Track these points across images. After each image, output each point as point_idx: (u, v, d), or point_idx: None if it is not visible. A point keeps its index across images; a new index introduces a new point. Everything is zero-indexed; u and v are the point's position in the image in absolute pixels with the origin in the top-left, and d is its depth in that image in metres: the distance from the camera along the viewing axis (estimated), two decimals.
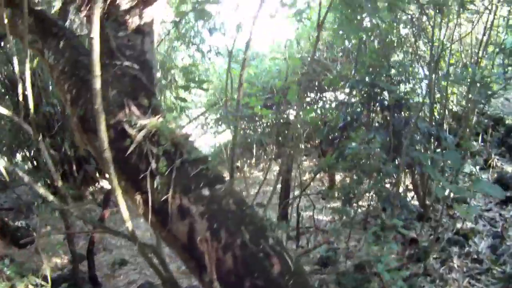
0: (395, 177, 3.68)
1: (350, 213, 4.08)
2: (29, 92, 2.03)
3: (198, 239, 2.09)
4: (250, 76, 6.80)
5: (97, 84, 1.83)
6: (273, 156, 7.42)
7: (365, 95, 4.35)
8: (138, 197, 2.25)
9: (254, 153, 7.90)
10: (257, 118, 6.85)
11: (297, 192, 5.28)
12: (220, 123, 7.49)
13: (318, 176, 6.21)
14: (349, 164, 3.91)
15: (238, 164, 7.85)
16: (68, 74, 2.43)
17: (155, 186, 2.20)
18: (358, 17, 4.29)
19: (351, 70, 5.01)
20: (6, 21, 2.31)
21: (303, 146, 6.65)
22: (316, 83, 6.61)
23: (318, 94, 7.06)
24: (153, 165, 2.20)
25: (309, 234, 4.76)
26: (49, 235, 4.90)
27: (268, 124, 7.13)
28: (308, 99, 7.15)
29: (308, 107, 5.52)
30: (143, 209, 2.25)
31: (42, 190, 2.20)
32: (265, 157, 7.84)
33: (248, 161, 8.13)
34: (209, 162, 2.36)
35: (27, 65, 2.04)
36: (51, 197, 2.23)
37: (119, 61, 2.30)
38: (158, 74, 6.18)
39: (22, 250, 5.06)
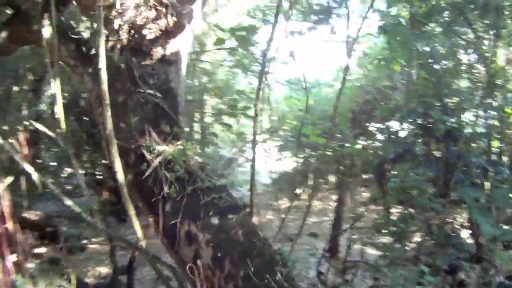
0: (445, 213, 3.36)
1: (400, 249, 3.80)
2: (60, 111, 2.20)
3: (188, 266, 2.08)
4: (309, 104, 6.75)
5: (107, 111, 1.95)
6: (332, 186, 7.22)
7: (417, 126, 4.08)
8: (151, 219, 2.32)
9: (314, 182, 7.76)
10: (319, 147, 6.74)
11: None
12: (282, 150, 7.52)
13: (374, 208, 5.90)
14: (395, 198, 3.66)
15: (298, 191, 7.77)
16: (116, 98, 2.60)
17: (166, 210, 2.25)
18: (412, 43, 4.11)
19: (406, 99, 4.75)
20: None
21: (361, 177, 6.40)
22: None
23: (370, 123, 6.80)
24: (166, 190, 2.25)
25: (356, 268, 4.50)
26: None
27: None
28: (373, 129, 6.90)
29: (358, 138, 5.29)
30: (156, 230, 2.31)
31: (70, 203, 2.34)
32: (325, 186, 7.66)
33: (307, 189, 8.00)
34: (224, 191, 2.36)
35: (58, 86, 2.22)
36: (78, 210, 2.36)
37: (142, 90, 2.42)
38: (218, 100, 6.42)
39: (70, 256, 5.33)
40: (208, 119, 6.85)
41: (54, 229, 5.39)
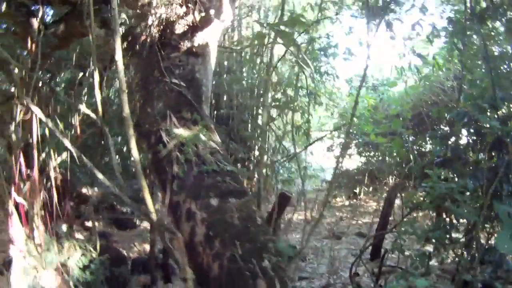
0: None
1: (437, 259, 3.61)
2: (98, 95, 2.54)
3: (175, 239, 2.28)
4: (376, 103, 6.56)
5: (125, 96, 2.22)
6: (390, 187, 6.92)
7: (470, 130, 3.79)
8: (162, 195, 2.59)
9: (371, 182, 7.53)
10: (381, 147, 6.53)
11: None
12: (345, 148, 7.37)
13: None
14: (429, 205, 3.49)
15: (357, 190, 7.60)
16: (140, 86, 2.94)
17: (174, 188, 2.49)
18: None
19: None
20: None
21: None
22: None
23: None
24: (175, 169, 2.50)
25: (391, 274, 4.34)
26: None
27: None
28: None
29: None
30: (164, 206, 2.57)
31: (101, 177, 2.68)
32: (385, 187, 7.36)
33: (367, 189, 7.77)
34: (230, 176, 2.52)
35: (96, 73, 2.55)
36: (107, 183, 2.71)
37: (167, 79, 2.69)
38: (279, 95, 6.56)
39: (122, 231, 5.76)
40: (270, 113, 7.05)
41: (109, 205, 5.92)
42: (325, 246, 5.50)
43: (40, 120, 2.77)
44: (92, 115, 2.73)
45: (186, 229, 2.40)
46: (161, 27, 2.75)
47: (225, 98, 6.69)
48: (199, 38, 2.78)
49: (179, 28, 2.77)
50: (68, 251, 3.24)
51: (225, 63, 6.68)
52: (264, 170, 6.85)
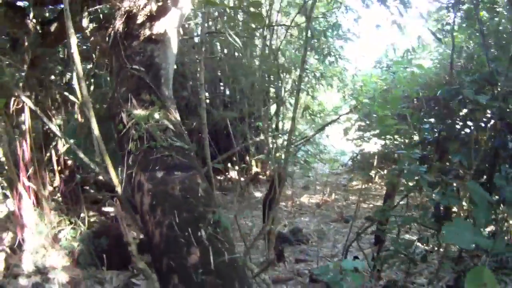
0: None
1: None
2: (79, 81, 2.90)
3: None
4: (388, 83, 6.39)
5: (82, 83, 2.55)
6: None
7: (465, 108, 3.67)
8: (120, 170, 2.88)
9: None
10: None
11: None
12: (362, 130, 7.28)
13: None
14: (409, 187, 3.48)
15: (372, 173, 7.44)
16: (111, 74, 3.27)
17: (129, 163, 2.78)
18: None
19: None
20: None
21: None
22: None
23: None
24: (130, 146, 2.78)
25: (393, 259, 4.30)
26: None
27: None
28: None
29: None
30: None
31: (82, 156, 3.05)
32: None
33: (383, 172, 7.57)
34: (179, 152, 2.76)
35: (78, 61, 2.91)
36: (88, 161, 3.07)
37: (129, 66, 2.98)
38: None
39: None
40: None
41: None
42: (332, 229, 5.55)
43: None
44: (74, 99, 3.10)
45: (137, 199, 2.68)
46: (124, 19, 3.03)
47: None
48: (157, 27, 3.03)
49: (140, 19, 3.03)
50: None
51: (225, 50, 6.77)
52: (279, 154, 7.00)
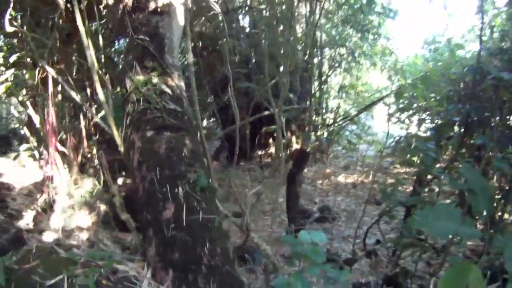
0: None
1: None
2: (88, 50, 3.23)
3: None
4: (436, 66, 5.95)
5: (90, 50, 2.85)
6: None
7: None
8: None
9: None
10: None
11: None
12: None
13: None
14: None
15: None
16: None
17: (127, 123, 3.04)
18: None
19: None
20: None
21: None
22: None
23: None
24: (129, 108, 3.04)
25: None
26: None
27: None
28: None
29: None
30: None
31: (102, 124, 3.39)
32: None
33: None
34: (171, 114, 2.95)
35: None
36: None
37: (135, 35, 3.22)
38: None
39: None
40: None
41: None
42: (362, 211, 5.40)
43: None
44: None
45: (131, 157, 2.94)
46: None
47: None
48: None
49: None
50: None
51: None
52: (322, 133, 6.92)
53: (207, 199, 2.72)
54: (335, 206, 5.62)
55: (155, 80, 3.07)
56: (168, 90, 3.08)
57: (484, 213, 2.02)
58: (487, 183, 2.13)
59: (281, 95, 3.02)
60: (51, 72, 3.56)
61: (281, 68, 4.89)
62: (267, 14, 5.75)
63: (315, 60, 6.93)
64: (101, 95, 3.08)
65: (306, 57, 6.71)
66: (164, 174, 2.69)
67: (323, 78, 7.36)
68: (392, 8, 5.61)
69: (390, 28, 7.29)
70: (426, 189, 3.90)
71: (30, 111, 4.27)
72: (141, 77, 3.10)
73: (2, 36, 4.48)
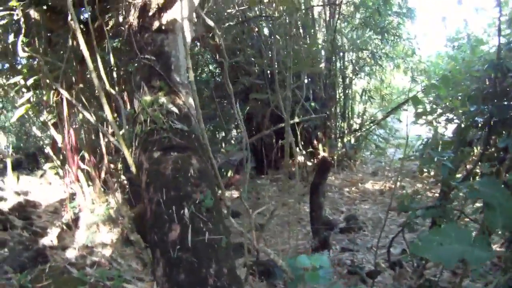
0: None
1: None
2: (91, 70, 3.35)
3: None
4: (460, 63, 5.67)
5: (92, 72, 2.95)
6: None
7: None
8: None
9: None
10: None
11: None
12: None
13: None
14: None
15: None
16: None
17: (136, 144, 3.10)
18: None
19: None
20: None
21: None
22: None
23: None
24: (137, 129, 3.10)
25: None
26: None
27: None
28: None
29: None
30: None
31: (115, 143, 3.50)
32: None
33: None
34: (178, 134, 2.97)
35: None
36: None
37: (142, 55, 3.29)
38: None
39: None
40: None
41: None
42: (389, 219, 5.24)
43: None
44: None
45: (140, 178, 2.99)
46: (138, 12, 3.34)
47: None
48: (166, 17, 3.28)
49: (151, 11, 3.31)
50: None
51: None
52: (349, 138, 6.76)
53: (214, 219, 2.72)
54: (361, 214, 5.48)
55: (162, 99, 3.12)
56: (175, 109, 3.11)
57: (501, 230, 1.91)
58: (510, 196, 1.90)
59: (285, 108, 2.96)
60: (64, 94, 3.69)
61: (302, 77, 4.81)
62: (286, 21, 5.72)
63: (338, 65, 6.84)
64: (109, 115, 3.16)
65: (325, 63, 6.63)
66: (170, 195, 2.72)
67: (347, 83, 7.23)
68: (410, 7, 5.45)
69: (410, 28, 7.07)
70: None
71: (52, 131, 4.45)
72: (148, 98, 3.15)
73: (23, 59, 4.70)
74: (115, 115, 4.03)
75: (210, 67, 7.60)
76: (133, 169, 3.16)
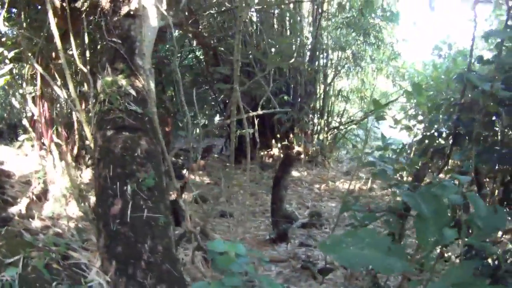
0: None
1: None
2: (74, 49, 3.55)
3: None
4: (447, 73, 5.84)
5: (60, 52, 3.15)
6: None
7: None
8: None
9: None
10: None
11: None
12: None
13: None
14: None
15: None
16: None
17: (94, 122, 3.31)
18: None
19: None
20: None
21: None
22: None
23: None
24: (96, 107, 3.31)
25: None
26: None
27: None
28: None
29: None
30: None
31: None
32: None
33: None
34: (132, 115, 3.18)
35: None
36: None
37: (109, 38, 3.48)
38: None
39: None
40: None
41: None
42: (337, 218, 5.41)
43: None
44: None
45: (95, 154, 3.21)
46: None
47: None
48: (134, 3, 3.47)
49: None
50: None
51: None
52: (326, 136, 6.93)
53: (155, 198, 2.95)
54: (326, 212, 5.69)
55: (121, 82, 3.31)
56: (133, 92, 3.31)
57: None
58: (445, 211, 1.85)
59: (232, 101, 3.16)
60: (38, 69, 3.90)
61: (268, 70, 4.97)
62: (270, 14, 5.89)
63: (321, 63, 7.01)
64: (72, 92, 3.37)
65: (308, 59, 6.79)
66: (116, 172, 2.93)
67: (328, 81, 7.40)
68: (394, 11, 5.58)
69: (396, 32, 7.23)
70: None
71: (29, 104, 4.66)
72: (109, 79, 3.36)
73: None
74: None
75: (197, 53, 7.80)
76: (91, 145, 3.38)
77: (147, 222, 2.83)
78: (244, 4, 3.67)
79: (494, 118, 3.21)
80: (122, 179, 2.90)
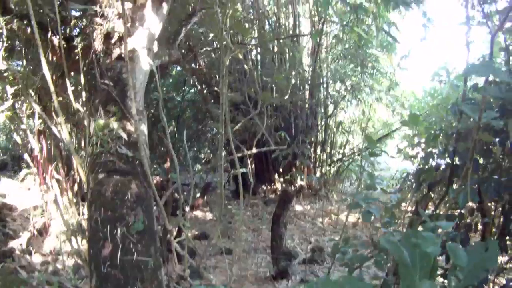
0: None
1: None
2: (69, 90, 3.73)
3: None
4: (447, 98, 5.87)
5: (53, 94, 3.32)
6: None
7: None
8: None
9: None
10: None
11: None
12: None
13: None
14: None
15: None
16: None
17: (87, 164, 3.44)
18: None
19: None
20: None
21: None
22: None
23: None
24: (88, 150, 3.44)
25: None
26: None
27: None
28: None
29: None
30: None
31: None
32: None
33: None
34: (122, 159, 3.30)
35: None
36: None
37: (101, 80, 3.65)
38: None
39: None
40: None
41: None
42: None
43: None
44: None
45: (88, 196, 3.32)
46: (103, 39, 3.72)
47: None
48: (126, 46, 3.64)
49: (114, 39, 3.70)
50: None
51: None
52: (328, 168, 6.97)
53: (145, 241, 3.03)
54: (329, 246, 5.67)
55: (114, 125, 3.45)
56: (124, 135, 3.44)
57: None
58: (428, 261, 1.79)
59: (218, 145, 3.27)
60: (36, 107, 4.08)
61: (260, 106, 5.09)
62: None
63: (321, 96, 7.14)
64: (65, 134, 3.51)
65: (308, 93, 6.93)
66: (107, 215, 3.04)
67: (329, 113, 7.52)
68: (390, 41, 5.71)
69: (394, 61, 7.36)
70: None
71: (30, 139, 4.84)
72: (101, 121, 3.50)
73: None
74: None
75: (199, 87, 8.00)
76: (85, 186, 3.50)
77: (137, 265, 2.91)
78: (227, 49, 3.82)
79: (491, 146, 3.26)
80: (112, 222, 3.00)
